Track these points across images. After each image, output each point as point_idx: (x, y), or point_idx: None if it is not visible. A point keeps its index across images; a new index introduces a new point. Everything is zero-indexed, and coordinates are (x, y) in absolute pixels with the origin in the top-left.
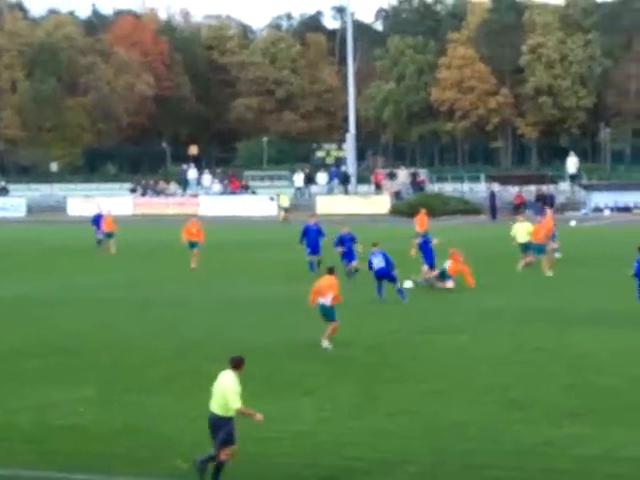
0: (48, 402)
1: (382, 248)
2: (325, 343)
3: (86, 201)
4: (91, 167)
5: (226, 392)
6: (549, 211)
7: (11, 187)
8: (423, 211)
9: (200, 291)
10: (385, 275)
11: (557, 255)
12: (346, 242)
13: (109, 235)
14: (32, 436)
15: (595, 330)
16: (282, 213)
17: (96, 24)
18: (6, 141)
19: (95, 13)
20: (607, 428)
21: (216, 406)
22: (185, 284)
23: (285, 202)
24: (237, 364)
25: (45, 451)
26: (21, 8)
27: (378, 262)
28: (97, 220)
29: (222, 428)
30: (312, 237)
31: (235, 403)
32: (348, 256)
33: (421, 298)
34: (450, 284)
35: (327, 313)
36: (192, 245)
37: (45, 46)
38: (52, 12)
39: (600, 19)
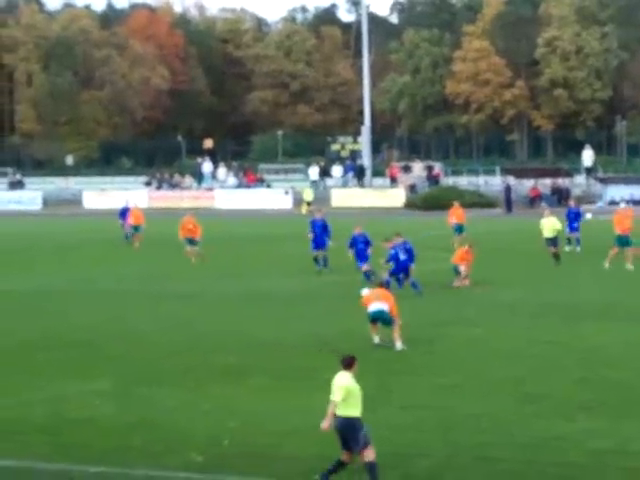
0: (63, 395)
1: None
2: (399, 345)
3: (101, 194)
4: (106, 160)
5: (342, 388)
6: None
7: (27, 180)
8: (457, 204)
9: (213, 284)
10: (405, 268)
11: (577, 248)
12: (358, 243)
13: (136, 228)
14: (47, 428)
15: (608, 324)
16: (305, 206)
17: (111, 17)
18: (22, 135)
19: (110, 6)
20: (620, 421)
21: (341, 409)
22: (198, 277)
23: (309, 196)
24: (350, 364)
25: (60, 443)
26: (37, 1)
27: (402, 255)
28: (124, 213)
29: (353, 430)
30: (317, 232)
31: (338, 397)
32: (360, 257)
33: (435, 292)
34: (465, 282)
35: (386, 318)
36: (190, 242)
37: (61, 39)
38: (68, 5)
39: (616, 12)
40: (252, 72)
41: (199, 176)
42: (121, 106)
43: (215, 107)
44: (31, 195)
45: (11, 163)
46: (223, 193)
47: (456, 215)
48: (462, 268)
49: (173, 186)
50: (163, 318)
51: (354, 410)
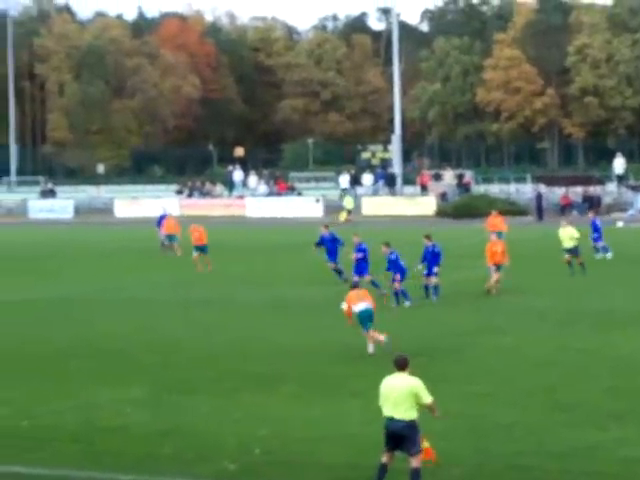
0: (95, 402)
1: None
2: (372, 348)
3: (133, 203)
4: (138, 169)
5: (418, 391)
6: None
7: (58, 189)
8: (494, 212)
9: (242, 292)
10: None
11: (609, 255)
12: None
13: (170, 237)
14: (79, 436)
15: (639, 332)
16: (344, 214)
17: (142, 26)
18: (54, 143)
19: (141, 15)
20: None
21: (402, 412)
22: (228, 285)
23: (350, 204)
24: (405, 365)
25: (92, 451)
26: (69, 11)
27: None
28: (160, 221)
29: (414, 433)
30: (330, 246)
31: (430, 397)
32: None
33: (464, 299)
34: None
35: (373, 317)
36: (198, 249)
37: (92, 49)
38: (99, 15)
39: None
40: (283, 80)
41: (230, 184)
42: (152, 115)
43: (246, 115)
44: (63, 204)
45: (43, 172)
46: (254, 201)
47: (494, 223)
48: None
49: (204, 194)
50: (193, 325)
51: (415, 412)
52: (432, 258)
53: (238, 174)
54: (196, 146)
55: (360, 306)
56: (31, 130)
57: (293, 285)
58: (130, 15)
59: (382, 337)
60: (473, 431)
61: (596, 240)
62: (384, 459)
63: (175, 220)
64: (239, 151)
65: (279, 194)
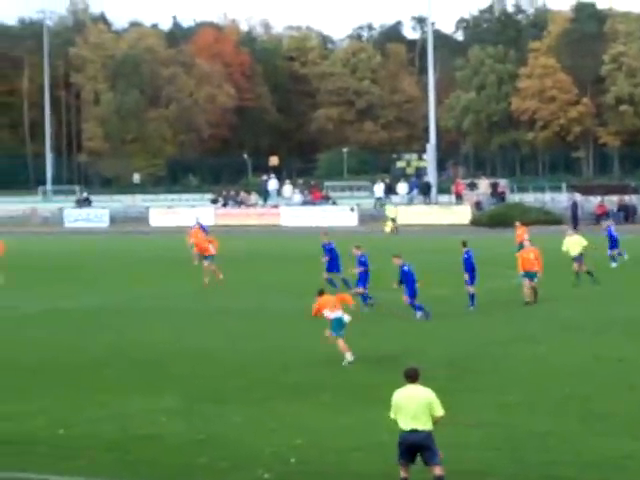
0: (129, 412)
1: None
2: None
3: (168, 212)
4: (173, 178)
5: (433, 402)
6: None
7: (94, 198)
8: (518, 223)
9: (277, 301)
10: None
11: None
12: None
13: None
14: (115, 445)
15: None
16: (389, 224)
17: (178, 36)
18: (89, 153)
19: (177, 25)
20: None
21: (423, 423)
22: (262, 294)
23: (392, 213)
24: (417, 376)
25: (128, 460)
26: (104, 21)
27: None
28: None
29: (434, 443)
30: (332, 255)
31: (442, 410)
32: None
33: (496, 308)
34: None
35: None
36: (204, 258)
37: (128, 58)
38: (135, 24)
39: None
40: (318, 90)
41: (265, 193)
42: (187, 124)
43: (281, 124)
44: (98, 213)
45: (79, 181)
46: (289, 210)
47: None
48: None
49: (239, 203)
50: (227, 335)
51: (431, 422)
52: (469, 266)
53: (273, 183)
54: (231, 155)
55: (337, 313)
56: (67, 139)
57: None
58: (165, 25)
59: (348, 354)
60: (508, 441)
61: (611, 248)
62: (404, 474)
63: (197, 230)
64: (274, 160)
65: (314, 203)
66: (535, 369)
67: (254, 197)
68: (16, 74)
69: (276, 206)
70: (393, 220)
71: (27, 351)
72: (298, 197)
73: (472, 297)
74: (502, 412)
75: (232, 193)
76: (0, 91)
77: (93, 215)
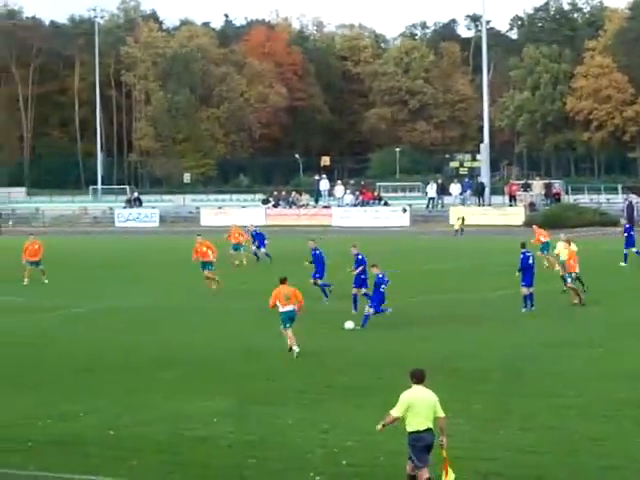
0: (180, 413)
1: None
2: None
3: (219, 212)
4: (224, 178)
5: (437, 404)
6: None
7: (144, 198)
8: (534, 226)
9: (327, 302)
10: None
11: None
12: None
13: (236, 247)
14: (166, 447)
15: None
16: (458, 222)
17: (229, 34)
18: (140, 152)
19: (228, 23)
20: None
21: (431, 423)
22: (311, 295)
23: (460, 212)
24: (424, 377)
25: (179, 462)
26: (155, 19)
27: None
28: (255, 237)
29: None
30: (318, 261)
31: (442, 412)
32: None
33: (551, 311)
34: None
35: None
36: (204, 266)
37: (179, 57)
38: (186, 23)
39: None
40: (370, 89)
41: (316, 194)
42: (239, 123)
43: (333, 124)
44: (148, 212)
45: (129, 181)
46: (340, 211)
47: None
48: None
49: (290, 204)
50: (277, 335)
51: None
52: (527, 267)
53: (324, 183)
54: (282, 155)
55: (287, 307)
56: (117, 139)
57: None
58: (217, 23)
59: (295, 346)
60: (563, 445)
61: (628, 246)
62: (427, 474)
63: (240, 229)
64: (325, 160)
65: (365, 204)
66: (590, 372)
67: (305, 197)
68: (67, 73)
69: (327, 207)
70: (462, 219)
71: (77, 351)
72: (350, 198)
73: (527, 299)
74: (558, 415)
75: (283, 193)
76: (51, 90)
77: (143, 215)
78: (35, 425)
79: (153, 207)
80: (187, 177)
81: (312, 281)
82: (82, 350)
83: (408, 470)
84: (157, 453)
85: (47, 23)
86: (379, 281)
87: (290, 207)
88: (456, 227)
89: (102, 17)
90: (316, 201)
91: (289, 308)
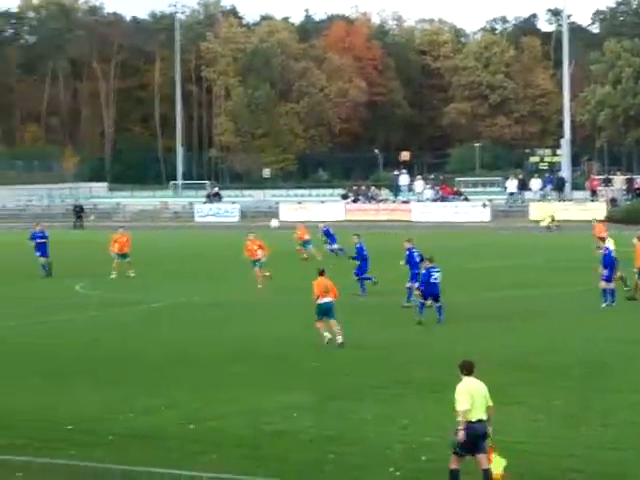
0: (260, 407)
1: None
2: (341, 338)
3: (298, 207)
4: (303, 173)
5: (488, 393)
6: None
7: (224, 193)
8: (594, 221)
9: (402, 297)
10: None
11: None
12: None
13: (305, 244)
14: (245, 441)
15: None
16: (548, 218)
17: (309, 29)
18: (220, 147)
19: (308, 18)
20: None
21: (484, 413)
22: (388, 290)
23: (550, 210)
24: (473, 368)
25: (258, 456)
26: (235, 14)
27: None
28: (326, 233)
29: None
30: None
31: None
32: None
33: (630, 307)
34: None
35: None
36: (253, 263)
37: (259, 52)
38: (266, 18)
39: None
40: (450, 83)
41: (396, 189)
42: (318, 118)
43: (412, 119)
44: (228, 207)
45: (209, 176)
46: (419, 206)
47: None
48: None
49: (370, 199)
50: (354, 330)
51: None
52: (609, 261)
53: (404, 178)
54: (361, 150)
55: (325, 299)
56: (198, 134)
57: (458, 291)
58: (296, 18)
59: (339, 336)
60: None
61: None
62: (457, 465)
63: (306, 228)
64: (405, 155)
65: (445, 199)
66: None
67: (385, 192)
68: (148, 68)
69: (407, 202)
70: (551, 217)
71: (157, 345)
72: (429, 192)
73: (607, 293)
74: (638, 411)
75: (363, 188)
76: (132, 85)
77: (223, 210)
78: (117, 419)
79: (233, 202)
80: (267, 172)
81: (355, 278)
82: (161, 344)
83: (452, 465)
84: (237, 447)
85: (128, 19)
86: (424, 275)
87: (369, 202)
88: (545, 223)
89: (183, 13)
90: (395, 196)
91: (327, 300)
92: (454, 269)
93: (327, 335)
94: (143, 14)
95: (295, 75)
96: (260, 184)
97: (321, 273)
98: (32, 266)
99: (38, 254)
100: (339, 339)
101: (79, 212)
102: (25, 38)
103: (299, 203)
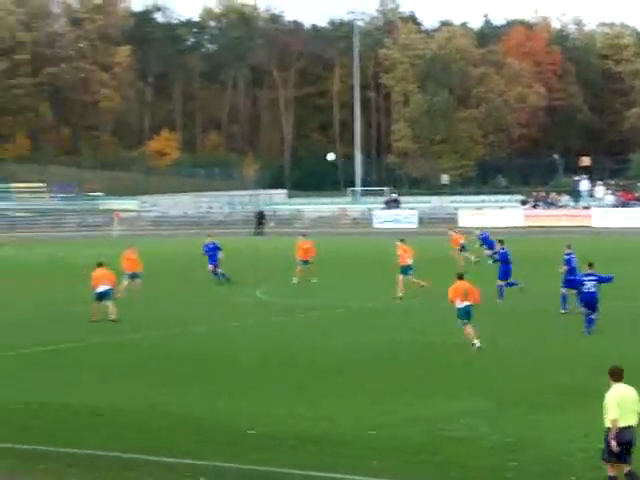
0: (439, 414)
1: None
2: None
3: (477, 213)
4: (482, 179)
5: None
6: None
7: (402, 199)
8: None
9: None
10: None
11: None
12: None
13: (462, 248)
14: (422, 447)
15: None
16: None
17: (488, 35)
18: (398, 154)
19: (487, 24)
20: None
21: (634, 419)
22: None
23: None
24: (622, 375)
25: (437, 462)
26: (414, 21)
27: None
28: (486, 239)
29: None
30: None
31: None
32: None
33: None
34: None
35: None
36: (403, 270)
37: (438, 58)
38: (444, 24)
39: None
40: (632, 88)
41: (576, 194)
42: (497, 124)
43: (592, 124)
44: (407, 214)
45: (387, 182)
46: (600, 211)
47: None
48: None
49: (549, 205)
50: (527, 335)
51: None
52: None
53: (584, 184)
54: (540, 155)
55: (465, 303)
56: (376, 140)
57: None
58: (475, 23)
59: (476, 340)
60: None
61: None
62: (613, 472)
63: (462, 235)
64: (585, 161)
65: (626, 204)
66: None
67: (565, 198)
68: (327, 75)
69: (587, 207)
70: None
71: (330, 351)
72: (610, 198)
73: None
74: None
75: (542, 194)
76: (311, 93)
77: (402, 216)
78: (297, 424)
79: (412, 208)
80: (445, 178)
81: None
82: (336, 349)
83: (610, 473)
84: (416, 453)
85: (307, 27)
86: (577, 283)
87: (549, 208)
88: None
89: (361, 20)
90: (576, 202)
91: (467, 303)
92: (630, 277)
93: (472, 335)
94: (322, 22)
95: (474, 81)
96: (438, 190)
97: (460, 277)
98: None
99: (212, 266)
100: (476, 343)
101: (260, 219)
102: (206, 47)
103: (478, 209)
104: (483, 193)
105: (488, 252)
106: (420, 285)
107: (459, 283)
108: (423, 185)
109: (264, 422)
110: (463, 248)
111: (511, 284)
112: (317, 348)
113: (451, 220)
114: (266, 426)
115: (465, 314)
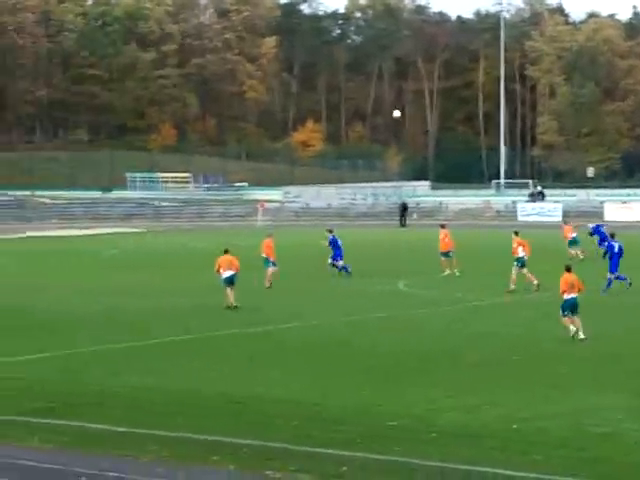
0: (582, 408)
1: None
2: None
3: (623, 207)
4: (629, 172)
5: None
6: None
7: (547, 192)
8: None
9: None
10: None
11: None
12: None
13: (571, 242)
14: (568, 442)
15: None
16: None
17: (637, 26)
18: (543, 146)
19: (636, 15)
20: None
21: None
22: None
23: None
24: None
25: (582, 458)
26: (562, 12)
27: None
28: (596, 231)
29: None
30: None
31: None
32: None
33: None
34: None
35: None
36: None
37: (584, 50)
38: (592, 15)
39: None
40: None
41: None
42: None
43: None
44: (551, 207)
45: (532, 175)
46: None
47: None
48: None
49: None
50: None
51: None
52: None
53: None
54: None
55: (571, 295)
56: (520, 133)
57: None
58: (624, 15)
59: (580, 332)
60: None
61: None
62: None
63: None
64: None
65: None
66: None
67: None
68: (472, 67)
69: None
70: None
71: (473, 343)
72: None
73: None
74: None
75: None
76: (456, 85)
77: (546, 209)
78: (439, 417)
79: (556, 201)
80: (590, 171)
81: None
82: (477, 343)
83: None
84: (560, 448)
85: (453, 18)
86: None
87: None
88: None
89: (508, 11)
90: None
91: (573, 296)
92: None
93: (573, 328)
94: (468, 13)
95: (621, 73)
96: (583, 183)
97: (568, 269)
98: (356, 263)
99: (336, 259)
100: (581, 335)
101: (404, 210)
102: (352, 38)
103: (623, 202)
104: (629, 187)
105: (599, 245)
106: (531, 281)
107: (567, 275)
108: (567, 178)
109: (406, 414)
110: (574, 241)
111: (617, 278)
112: (453, 341)
113: (596, 214)
114: (408, 418)
115: (571, 306)
